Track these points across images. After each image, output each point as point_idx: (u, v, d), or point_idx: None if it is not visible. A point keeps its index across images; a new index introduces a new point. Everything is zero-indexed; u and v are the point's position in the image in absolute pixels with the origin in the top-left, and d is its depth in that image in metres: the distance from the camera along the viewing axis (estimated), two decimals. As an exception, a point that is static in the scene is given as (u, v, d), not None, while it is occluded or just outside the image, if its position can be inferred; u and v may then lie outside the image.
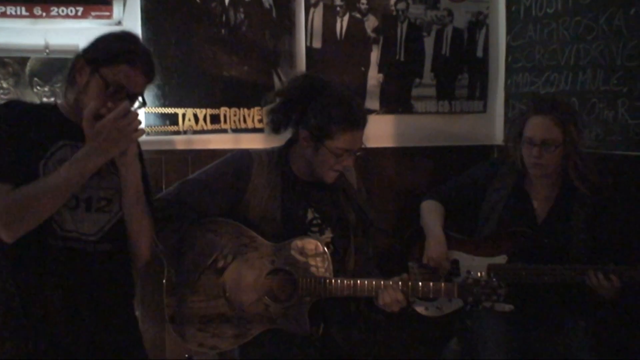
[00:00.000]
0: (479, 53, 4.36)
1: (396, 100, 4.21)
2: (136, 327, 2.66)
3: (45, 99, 3.49)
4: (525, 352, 3.12)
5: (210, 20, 3.80)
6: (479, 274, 2.82)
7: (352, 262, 2.96)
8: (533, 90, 4.04)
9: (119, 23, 3.56)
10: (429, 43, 4.25)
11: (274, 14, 3.91)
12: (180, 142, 3.79)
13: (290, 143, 2.96)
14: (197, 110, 3.81)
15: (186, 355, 3.52)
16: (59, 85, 3.48)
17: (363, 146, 2.85)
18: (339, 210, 2.98)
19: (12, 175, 2.22)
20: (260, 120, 3.91)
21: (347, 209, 2.99)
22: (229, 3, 3.82)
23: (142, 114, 3.35)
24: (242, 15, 3.84)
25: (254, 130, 3.91)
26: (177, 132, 3.77)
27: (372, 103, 4.14)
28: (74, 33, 3.49)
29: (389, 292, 2.77)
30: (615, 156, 3.54)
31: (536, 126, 3.16)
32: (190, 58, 3.75)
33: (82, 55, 2.35)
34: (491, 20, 4.35)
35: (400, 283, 2.80)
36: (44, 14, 3.44)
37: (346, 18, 4.05)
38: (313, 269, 2.83)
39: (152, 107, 3.69)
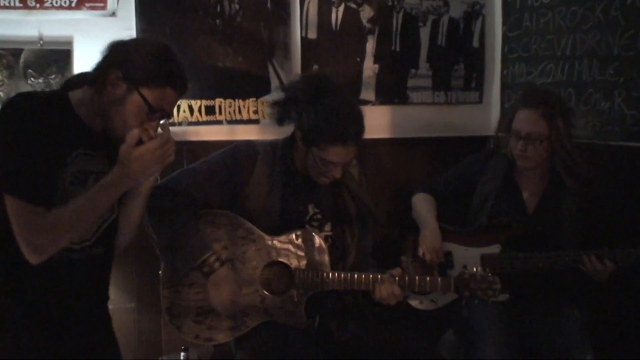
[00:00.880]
0: (475, 43, 4.35)
1: (392, 91, 4.20)
2: (111, 328, 2.60)
3: (40, 91, 3.45)
4: (521, 342, 3.13)
5: (204, 11, 3.78)
6: (475, 269, 2.82)
7: (353, 257, 2.96)
8: (529, 81, 4.04)
9: (113, 14, 3.54)
10: (424, 33, 4.23)
11: (268, 5, 3.89)
12: (175, 134, 3.76)
13: (293, 137, 2.95)
14: (192, 102, 3.79)
15: (182, 347, 3.52)
16: (53, 77, 3.46)
17: (352, 159, 2.83)
18: (340, 205, 2.97)
19: (44, 197, 2.14)
20: (255, 112, 3.90)
21: (349, 203, 2.98)
22: (224, -7, 3.81)
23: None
24: (237, 6, 3.82)
25: (249, 121, 3.90)
26: (172, 124, 3.74)
27: (367, 94, 4.13)
28: (68, 24, 3.47)
29: (385, 286, 2.77)
30: (611, 147, 3.54)
31: (523, 119, 3.16)
32: (185, 49, 3.73)
33: (117, 68, 2.21)
34: (487, 10, 4.33)
35: (397, 277, 2.80)
36: (38, 5, 3.41)
37: (341, 8, 4.03)
38: (310, 262, 2.83)
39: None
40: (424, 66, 4.25)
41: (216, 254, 2.75)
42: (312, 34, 4.00)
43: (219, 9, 3.79)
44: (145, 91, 2.22)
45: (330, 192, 2.97)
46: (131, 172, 2.19)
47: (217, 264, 2.74)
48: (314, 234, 2.86)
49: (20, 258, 2.15)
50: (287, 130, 2.95)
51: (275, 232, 2.85)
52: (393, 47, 4.18)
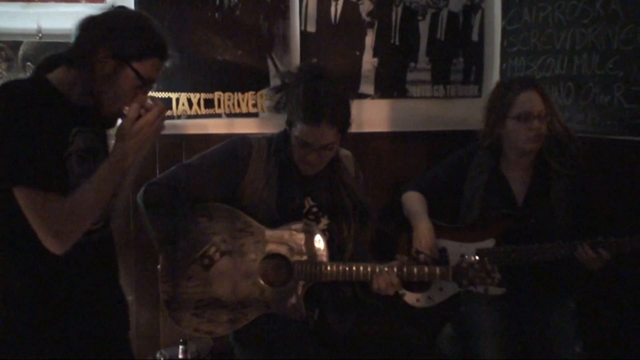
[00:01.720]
0: (474, 37, 4.34)
1: (391, 85, 4.20)
2: (127, 309, 2.61)
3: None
4: (518, 336, 3.14)
5: (203, 3, 3.77)
6: (473, 258, 2.82)
7: (350, 251, 2.96)
8: (528, 75, 4.03)
9: (112, 7, 3.52)
10: (424, 27, 4.22)
11: (268, -2, 3.89)
12: (174, 127, 3.77)
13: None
14: (191, 95, 3.79)
15: (181, 341, 3.52)
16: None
17: (327, 144, 2.80)
18: (336, 199, 2.97)
19: (56, 183, 2.12)
20: (254, 105, 3.89)
21: (345, 197, 2.98)
22: (223, -14, 3.80)
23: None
24: (236, -1, 3.82)
25: (248, 114, 3.89)
26: (171, 117, 3.74)
27: (366, 87, 4.12)
28: (67, 17, 3.43)
29: (383, 276, 2.78)
30: (610, 141, 3.54)
31: (527, 100, 3.18)
32: (184, 42, 3.73)
33: (104, 45, 2.21)
34: (486, 4, 4.32)
35: (395, 267, 2.80)
36: (37, -2, 3.42)
37: (341, 2, 4.03)
38: (309, 254, 2.83)
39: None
40: (423, 60, 4.24)
41: (216, 246, 2.75)
42: (311, 28, 3.99)
43: (218, 2, 3.79)
44: (136, 64, 2.23)
45: (326, 185, 2.98)
46: (134, 143, 2.21)
47: (217, 255, 2.75)
48: (312, 226, 2.86)
49: (42, 252, 2.12)
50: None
51: (273, 225, 2.85)
52: (392, 41, 4.17)
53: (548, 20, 3.89)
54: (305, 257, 2.83)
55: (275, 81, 3.83)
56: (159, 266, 2.86)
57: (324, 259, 2.83)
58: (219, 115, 3.86)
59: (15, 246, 2.20)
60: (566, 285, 3.27)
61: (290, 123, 2.83)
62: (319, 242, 2.84)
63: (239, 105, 3.88)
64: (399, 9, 4.16)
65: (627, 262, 3.12)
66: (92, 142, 2.30)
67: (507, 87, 3.27)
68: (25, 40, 3.47)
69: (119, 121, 2.29)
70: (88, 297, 2.32)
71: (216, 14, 3.80)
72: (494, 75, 4.36)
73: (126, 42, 2.22)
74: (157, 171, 3.54)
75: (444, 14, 4.25)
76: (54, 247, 2.12)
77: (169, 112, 3.72)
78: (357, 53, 4.11)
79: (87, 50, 2.21)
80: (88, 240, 2.27)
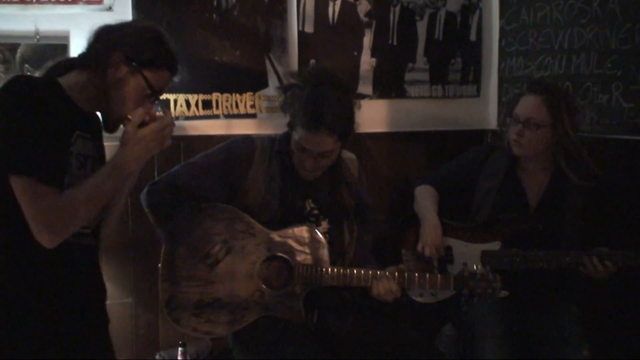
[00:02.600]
0: (472, 37, 4.34)
1: (389, 85, 4.20)
2: (107, 329, 2.57)
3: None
4: (519, 337, 3.13)
5: (201, 5, 3.77)
6: (475, 267, 2.81)
7: (351, 253, 2.97)
8: (527, 74, 4.03)
9: (110, 9, 3.53)
10: (421, 27, 4.22)
11: (265, -1, 3.89)
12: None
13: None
14: (189, 96, 3.79)
15: (180, 343, 3.52)
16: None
17: (325, 152, 2.78)
18: (338, 201, 2.97)
19: (56, 178, 2.12)
20: (252, 106, 3.89)
21: (347, 199, 2.98)
22: (221, -13, 3.80)
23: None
24: (234, 0, 3.81)
25: (246, 115, 3.89)
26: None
27: (365, 88, 4.12)
28: (65, 19, 3.46)
29: (383, 283, 2.77)
30: (609, 140, 3.54)
31: (525, 104, 3.17)
32: (182, 43, 3.72)
33: (119, 50, 2.23)
34: (484, 3, 4.32)
35: (395, 274, 2.79)
36: (34, 0, 3.40)
37: (338, 2, 4.02)
38: (310, 257, 2.82)
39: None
40: (421, 60, 4.24)
41: (220, 244, 2.77)
42: (309, 28, 3.99)
43: (215, 3, 3.78)
44: (147, 73, 2.25)
45: (327, 187, 2.97)
46: (137, 150, 2.20)
47: (222, 254, 2.76)
48: (314, 229, 2.86)
49: (31, 244, 2.12)
50: (285, 124, 2.95)
51: (275, 226, 2.85)
52: (390, 41, 4.17)
53: (546, 20, 3.89)
54: (306, 261, 2.83)
55: (273, 82, 3.84)
56: (159, 265, 2.86)
57: (325, 262, 2.83)
58: (217, 117, 3.85)
59: (4, 239, 2.19)
60: (569, 289, 3.25)
61: (292, 125, 2.82)
62: (321, 245, 2.84)
63: (237, 106, 3.88)
64: (397, 9, 4.15)
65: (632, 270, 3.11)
66: (89, 149, 2.32)
67: (524, 87, 3.27)
68: (22, 42, 3.46)
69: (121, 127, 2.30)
70: (67, 302, 2.30)
71: (214, 15, 3.79)
72: (492, 75, 4.36)
73: (141, 50, 2.25)
74: (155, 172, 3.54)
75: (441, 14, 4.25)
76: (44, 239, 2.11)
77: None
78: (355, 53, 4.11)
79: (102, 53, 2.24)
80: (79, 243, 2.27)
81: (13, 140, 2.08)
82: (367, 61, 4.13)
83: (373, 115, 4.10)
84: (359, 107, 2.86)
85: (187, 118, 3.79)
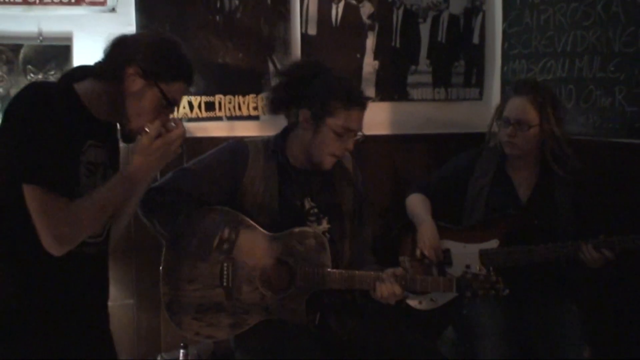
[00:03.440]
0: (475, 40, 4.34)
1: (392, 88, 4.20)
2: (109, 330, 2.58)
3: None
4: (519, 337, 3.13)
5: (204, 6, 3.77)
6: (478, 268, 2.81)
7: (348, 251, 2.96)
8: (529, 77, 4.02)
9: (113, 10, 3.54)
10: (424, 29, 4.23)
11: (268, 1, 3.88)
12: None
13: (286, 131, 2.95)
14: (192, 98, 3.79)
15: (181, 345, 3.51)
16: (52, 72, 3.46)
17: (362, 132, 2.85)
18: (336, 199, 2.97)
19: (67, 188, 2.14)
20: (255, 108, 3.90)
21: (346, 196, 2.98)
22: (224, -11, 3.80)
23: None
24: (237, 2, 3.81)
25: (249, 117, 3.90)
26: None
27: (367, 90, 4.10)
28: (68, 20, 3.47)
29: (386, 285, 2.76)
30: (612, 144, 3.54)
31: (513, 106, 3.23)
32: (185, 45, 3.71)
33: (135, 63, 2.23)
34: (487, 6, 4.32)
35: (398, 276, 2.79)
36: (37, 1, 3.42)
37: (341, 4, 4.03)
38: (311, 260, 2.82)
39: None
40: (424, 62, 4.24)
41: (227, 228, 2.78)
42: (312, 30, 3.99)
43: (219, 4, 3.79)
44: (163, 86, 2.26)
45: (326, 186, 2.97)
46: (150, 161, 2.23)
47: (233, 235, 2.78)
48: (315, 231, 2.85)
49: (36, 251, 2.12)
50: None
51: (275, 228, 2.84)
52: (393, 44, 4.17)
53: (549, 23, 3.89)
54: (307, 263, 2.82)
55: (275, 79, 3.84)
56: (161, 268, 2.85)
57: (327, 265, 2.82)
58: (219, 118, 3.85)
59: (9, 246, 2.19)
60: (569, 288, 3.27)
61: (322, 113, 2.78)
62: (322, 247, 2.83)
63: (239, 108, 3.88)
64: (400, 12, 4.16)
65: (628, 265, 3.11)
66: (101, 158, 2.32)
67: (511, 88, 3.32)
68: (25, 43, 3.47)
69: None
70: (72, 309, 2.30)
71: (217, 17, 3.80)
72: (495, 78, 4.36)
73: (157, 63, 2.26)
74: (158, 175, 3.53)
75: (444, 16, 4.25)
76: (52, 248, 2.12)
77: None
78: (358, 56, 4.11)
79: (119, 65, 2.24)
80: (82, 252, 2.26)
81: (26, 149, 2.09)
82: (369, 63, 4.13)
83: (376, 118, 4.08)
84: None
85: (190, 120, 3.79)
